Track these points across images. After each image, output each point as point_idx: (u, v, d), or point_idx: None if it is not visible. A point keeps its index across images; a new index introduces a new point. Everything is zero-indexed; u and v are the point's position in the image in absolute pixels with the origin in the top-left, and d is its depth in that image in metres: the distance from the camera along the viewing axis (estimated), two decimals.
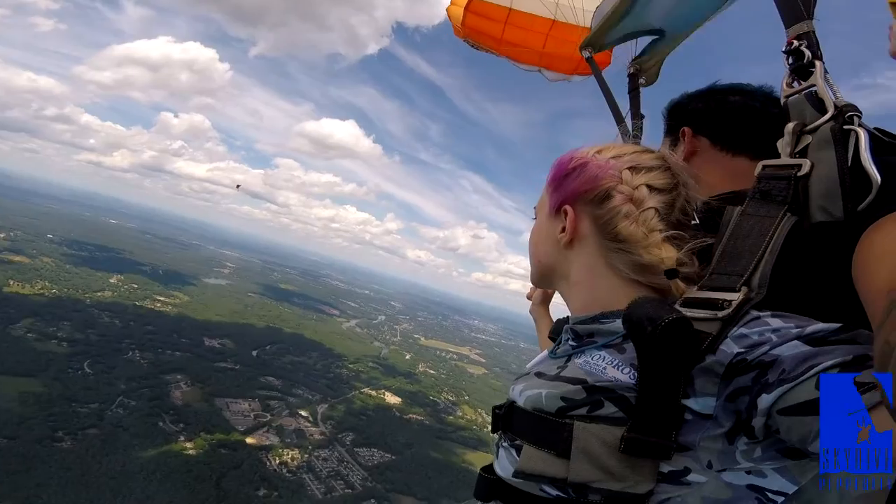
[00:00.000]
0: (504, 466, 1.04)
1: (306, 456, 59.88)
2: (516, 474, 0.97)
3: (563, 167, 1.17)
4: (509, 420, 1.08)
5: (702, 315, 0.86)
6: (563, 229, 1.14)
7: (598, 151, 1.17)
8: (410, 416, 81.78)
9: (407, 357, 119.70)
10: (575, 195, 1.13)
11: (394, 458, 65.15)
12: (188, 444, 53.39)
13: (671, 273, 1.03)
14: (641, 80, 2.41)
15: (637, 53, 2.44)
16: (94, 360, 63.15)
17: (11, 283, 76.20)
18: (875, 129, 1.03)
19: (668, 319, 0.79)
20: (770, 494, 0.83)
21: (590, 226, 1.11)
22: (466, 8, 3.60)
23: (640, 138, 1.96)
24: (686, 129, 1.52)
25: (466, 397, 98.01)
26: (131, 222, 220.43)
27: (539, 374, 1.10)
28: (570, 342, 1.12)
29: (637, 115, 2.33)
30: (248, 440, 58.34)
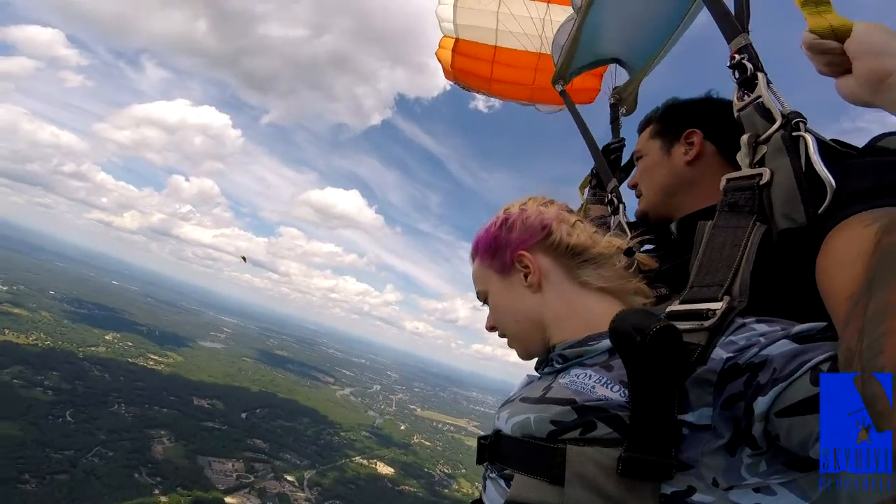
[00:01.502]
0: (493, 498, 1.01)
1: None
2: None
3: (489, 234, 1.29)
4: (496, 449, 1.05)
5: (688, 326, 0.86)
6: (526, 277, 1.20)
7: (507, 209, 1.32)
8: (403, 487, 78.26)
9: (402, 427, 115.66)
10: (520, 243, 1.22)
11: None
12: (163, 499, 51.19)
13: (629, 252, 1.16)
14: (622, 110, 2.54)
15: (615, 83, 2.58)
16: (76, 410, 61.70)
17: (7, 332, 75.89)
18: (832, 140, 1.05)
19: (656, 328, 0.77)
20: None
21: (546, 259, 1.20)
22: (453, 50, 3.65)
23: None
24: (697, 130, 1.51)
25: (463, 470, 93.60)
26: (134, 285, 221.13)
27: (524, 399, 1.07)
28: (557, 364, 1.12)
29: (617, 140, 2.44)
30: (228, 499, 55.88)
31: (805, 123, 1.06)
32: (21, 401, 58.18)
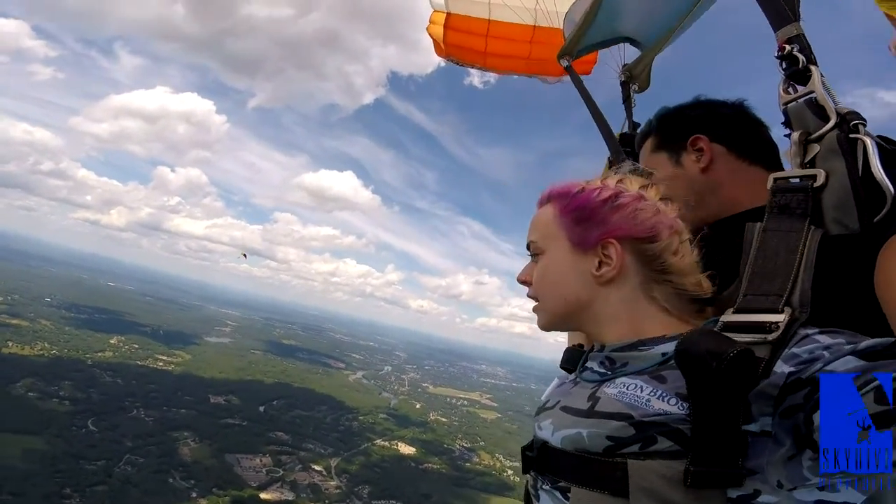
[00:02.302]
0: None
1: None
2: None
3: (590, 199, 1.13)
4: (545, 461, 1.03)
5: (750, 339, 0.83)
6: (601, 265, 1.09)
7: (620, 181, 1.17)
8: (427, 465, 78.76)
9: (417, 406, 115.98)
10: (619, 232, 1.08)
11: None
12: (202, 501, 50.91)
13: (710, 301, 1.08)
14: (634, 87, 2.40)
15: (625, 60, 2.44)
16: (97, 419, 60.74)
17: (10, 344, 73.89)
18: (878, 136, 1.01)
19: (733, 353, 0.75)
20: None
21: (633, 260, 1.08)
22: (446, 25, 3.54)
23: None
24: (702, 136, 1.45)
25: (482, 443, 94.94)
26: (130, 284, 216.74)
27: (566, 409, 1.03)
28: (599, 369, 1.08)
29: (631, 123, 2.32)
30: (264, 496, 55.49)
31: (864, 125, 1.01)
32: (40, 413, 57.16)
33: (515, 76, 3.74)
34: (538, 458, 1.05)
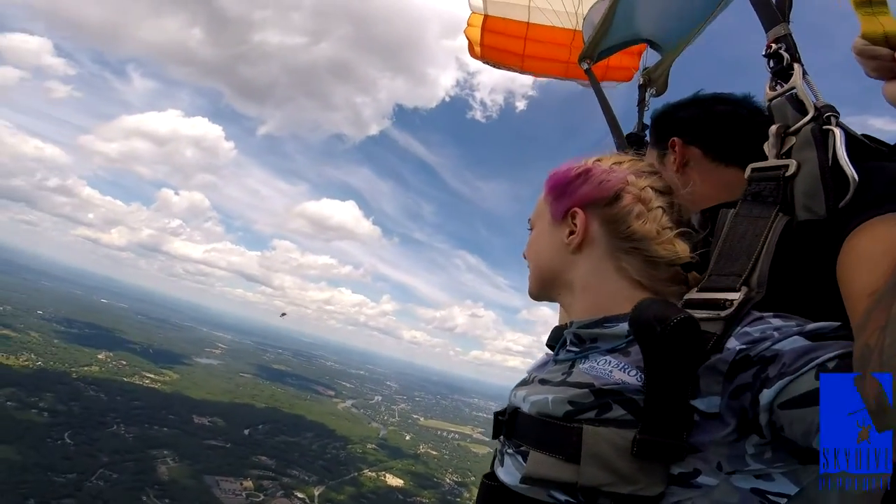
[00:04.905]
0: (510, 473, 1.03)
1: None
2: (524, 480, 0.95)
3: (566, 175, 1.21)
4: (513, 426, 1.08)
5: (705, 315, 0.88)
6: (571, 233, 1.16)
7: (598, 160, 1.23)
8: (416, 498, 76.41)
9: (407, 438, 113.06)
10: (583, 199, 1.15)
11: None
12: None
13: (688, 266, 1.09)
14: (651, 91, 2.43)
15: (646, 64, 2.47)
16: (75, 432, 59.31)
17: None
18: (863, 135, 1.09)
19: (676, 319, 0.79)
20: (771, 497, 0.81)
21: (599, 228, 1.14)
22: (483, 27, 3.56)
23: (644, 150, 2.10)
24: (676, 139, 1.50)
25: (473, 478, 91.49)
26: (123, 302, 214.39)
27: (543, 381, 1.09)
28: (572, 347, 1.13)
29: (641, 125, 2.35)
30: None
31: (837, 118, 1.07)
32: (17, 423, 55.82)
33: (555, 80, 3.78)
34: (508, 422, 1.10)
